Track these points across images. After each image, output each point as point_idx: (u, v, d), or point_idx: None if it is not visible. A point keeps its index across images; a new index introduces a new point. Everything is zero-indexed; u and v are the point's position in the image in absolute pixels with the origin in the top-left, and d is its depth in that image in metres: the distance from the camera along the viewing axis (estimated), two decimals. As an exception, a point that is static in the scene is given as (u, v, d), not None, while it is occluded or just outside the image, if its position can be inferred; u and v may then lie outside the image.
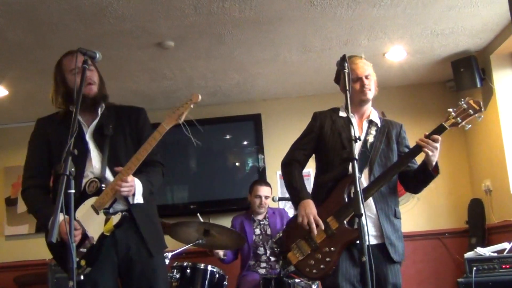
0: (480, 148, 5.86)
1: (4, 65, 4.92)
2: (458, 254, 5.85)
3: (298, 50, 5.15)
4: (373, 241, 2.90)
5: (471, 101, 2.94)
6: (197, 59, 5.16)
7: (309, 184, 3.24)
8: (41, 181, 2.92)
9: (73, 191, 2.27)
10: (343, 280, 2.92)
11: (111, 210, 2.80)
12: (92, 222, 2.78)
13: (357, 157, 2.54)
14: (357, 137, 2.66)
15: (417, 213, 6.17)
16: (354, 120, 3.11)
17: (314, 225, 2.94)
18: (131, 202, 2.80)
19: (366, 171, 3.01)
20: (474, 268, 4.32)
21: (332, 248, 2.93)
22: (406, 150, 3.18)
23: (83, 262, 2.74)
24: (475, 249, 4.60)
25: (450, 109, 2.96)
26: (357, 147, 3.02)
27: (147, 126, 3.05)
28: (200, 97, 2.79)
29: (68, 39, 4.44)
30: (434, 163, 2.94)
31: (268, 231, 5.09)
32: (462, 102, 2.94)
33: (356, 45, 5.04)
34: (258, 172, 6.28)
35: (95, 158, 2.87)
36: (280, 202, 5.74)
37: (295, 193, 3.14)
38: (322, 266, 2.94)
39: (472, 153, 6.13)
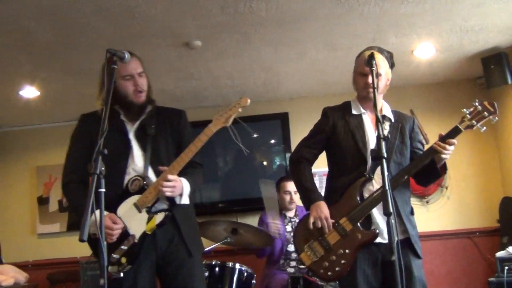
0: (511, 145, 5.77)
1: (36, 66, 5.01)
2: (489, 254, 5.77)
3: (325, 49, 5.13)
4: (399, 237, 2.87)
5: (485, 103, 2.91)
6: (224, 58, 5.18)
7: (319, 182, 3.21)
8: (81, 176, 2.93)
9: (103, 190, 2.28)
10: (362, 280, 2.90)
11: (153, 209, 2.81)
12: (134, 220, 2.80)
13: (385, 156, 2.51)
14: (385, 135, 2.63)
15: (447, 212, 6.10)
16: (367, 117, 3.11)
17: (326, 228, 2.94)
18: (177, 202, 2.82)
19: (378, 169, 2.92)
20: (506, 267, 4.27)
21: (346, 250, 2.91)
22: (419, 145, 3.16)
23: (123, 260, 2.76)
24: (506, 248, 4.54)
25: (465, 110, 2.94)
26: (371, 145, 3.01)
27: (187, 129, 3.08)
28: (249, 101, 2.80)
29: (96, 40, 4.51)
30: (442, 162, 2.95)
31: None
32: (477, 103, 2.91)
33: (383, 43, 4.99)
34: (285, 170, 6.28)
35: (137, 157, 2.90)
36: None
37: (307, 193, 3.12)
38: (337, 269, 2.93)
39: (503, 151, 6.02)
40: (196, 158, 2.99)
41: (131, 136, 2.94)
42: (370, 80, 2.97)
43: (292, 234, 5.03)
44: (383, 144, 2.53)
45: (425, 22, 4.66)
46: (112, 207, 2.79)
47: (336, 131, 3.12)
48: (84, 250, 5.81)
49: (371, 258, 2.93)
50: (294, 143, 6.26)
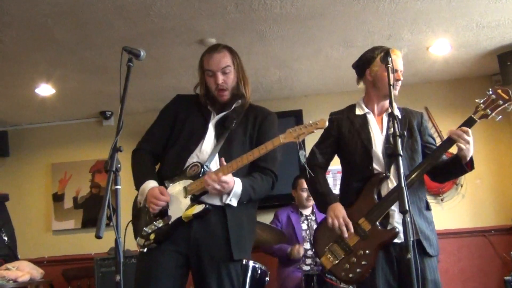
0: (528, 144, 5.72)
1: (52, 64, 5.04)
2: (504, 252, 5.73)
3: (340, 46, 5.11)
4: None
5: (499, 91, 2.83)
6: (238, 55, 5.16)
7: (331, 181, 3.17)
8: (154, 148, 2.98)
9: (119, 187, 2.27)
10: (382, 281, 2.87)
11: (201, 199, 2.75)
12: (177, 202, 2.76)
13: (401, 153, 2.48)
14: (401, 133, 2.59)
15: (462, 210, 6.06)
16: (372, 116, 3.08)
17: (344, 227, 2.89)
18: (223, 200, 2.73)
19: (393, 167, 2.89)
20: (522, 266, 4.22)
21: (367, 251, 2.86)
22: (430, 139, 3.09)
23: (152, 236, 2.73)
24: (523, 247, 4.50)
25: (478, 100, 2.88)
26: (376, 143, 2.98)
27: (271, 132, 2.93)
28: (327, 123, 2.74)
29: (112, 38, 4.53)
30: (468, 158, 2.85)
31: (315, 227, 5.06)
32: (490, 92, 2.84)
33: (399, 39, 4.97)
34: (299, 168, 6.26)
35: (208, 145, 2.85)
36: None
37: (322, 198, 3.08)
38: (358, 270, 2.87)
39: (520, 149, 5.98)
40: (270, 165, 2.92)
41: (211, 124, 2.91)
42: (400, 75, 2.98)
43: (307, 232, 5.03)
44: (399, 141, 2.50)
45: (441, 19, 4.62)
46: (167, 184, 2.81)
47: (342, 133, 3.11)
48: (98, 247, 5.91)
49: (388, 257, 2.89)
50: (308, 140, 6.24)
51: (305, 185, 5.09)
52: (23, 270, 5.09)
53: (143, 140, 3.03)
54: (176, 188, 2.80)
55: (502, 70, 5.41)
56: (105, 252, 5.72)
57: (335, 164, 3.26)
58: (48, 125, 6.87)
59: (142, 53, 2.65)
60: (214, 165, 2.79)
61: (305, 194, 5.14)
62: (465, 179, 5.98)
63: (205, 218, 2.74)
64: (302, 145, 2.73)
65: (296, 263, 4.87)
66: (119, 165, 2.30)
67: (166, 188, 2.78)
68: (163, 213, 2.75)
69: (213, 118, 2.94)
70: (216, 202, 2.76)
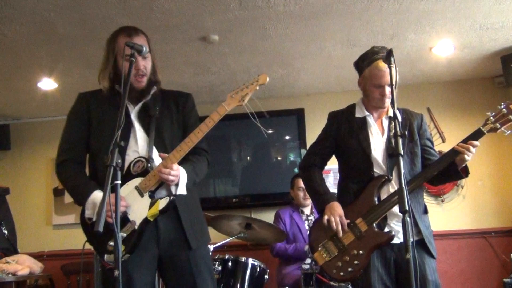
0: (530, 146, 5.71)
1: (54, 58, 5.04)
2: (504, 254, 5.73)
3: (343, 45, 5.10)
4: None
5: (511, 106, 2.85)
6: (241, 53, 5.17)
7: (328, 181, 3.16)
8: (77, 156, 2.77)
9: (119, 182, 2.24)
10: (376, 280, 2.87)
11: (157, 194, 2.59)
12: (135, 204, 2.57)
13: (402, 153, 2.48)
14: (402, 133, 2.58)
15: (462, 211, 6.05)
16: (372, 119, 3.06)
17: (340, 226, 2.90)
18: (173, 192, 2.58)
19: (394, 170, 2.90)
20: (522, 268, 4.22)
21: (360, 251, 2.87)
22: (427, 142, 3.08)
23: (122, 248, 2.44)
24: (523, 249, 4.50)
25: (489, 113, 2.87)
26: (375, 146, 2.97)
27: (194, 112, 2.87)
28: (268, 78, 2.60)
29: (115, 33, 4.52)
30: (464, 164, 2.87)
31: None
32: (502, 106, 2.84)
33: (402, 39, 4.96)
34: (299, 166, 6.26)
35: (140, 138, 2.69)
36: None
37: (319, 198, 3.08)
38: (350, 269, 2.88)
39: (521, 151, 5.97)
40: (203, 144, 2.78)
41: (133, 117, 2.73)
42: (386, 91, 2.93)
43: (309, 232, 5.03)
44: (400, 141, 2.50)
45: (445, 19, 4.61)
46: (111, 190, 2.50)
47: (340, 134, 3.10)
48: (98, 242, 5.89)
49: (385, 258, 2.90)
50: (309, 139, 6.28)
51: (301, 185, 5.10)
52: (23, 264, 5.09)
53: (63, 150, 2.79)
54: (126, 190, 2.60)
55: (505, 71, 5.40)
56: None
57: (336, 163, 3.26)
58: (50, 119, 6.86)
59: (144, 49, 2.60)
60: (156, 156, 2.65)
61: (301, 194, 5.15)
62: (466, 180, 5.97)
63: (167, 213, 2.61)
64: (249, 106, 2.60)
65: (298, 262, 4.87)
66: (119, 160, 2.28)
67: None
68: (122, 221, 2.53)
69: (132, 109, 2.76)
70: (164, 193, 2.63)
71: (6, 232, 5.61)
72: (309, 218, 5.17)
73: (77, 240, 6.38)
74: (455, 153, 2.84)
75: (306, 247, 4.79)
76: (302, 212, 5.20)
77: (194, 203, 2.83)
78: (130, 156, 2.66)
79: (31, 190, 6.76)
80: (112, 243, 2.44)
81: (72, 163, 2.75)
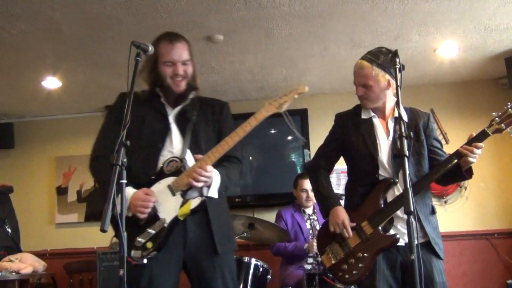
0: (533, 147, 5.71)
1: (59, 57, 5.05)
2: (507, 256, 5.73)
3: (347, 45, 5.11)
4: (418, 240, 2.79)
5: None
6: (245, 53, 5.17)
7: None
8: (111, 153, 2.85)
9: (125, 181, 2.24)
10: (381, 282, 2.87)
11: (188, 194, 2.62)
12: (166, 203, 2.62)
13: (407, 154, 2.47)
14: (407, 134, 2.57)
15: (465, 212, 6.05)
16: (377, 120, 3.05)
17: (346, 234, 2.92)
18: (204, 193, 2.62)
19: (400, 172, 2.85)
20: (525, 270, 4.22)
21: (365, 254, 2.88)
22: (435, 142, 3.06)
23: (149, 245, 2.56)
24: (526, 251, 4.50)
25: (495, 114, 2.85)
26: (382, 148, 2.95)
27: (230, 120, 2.92)
28: (307, 88, 2.65)
29: (120, 32, 4.54)
30: (468, 166, 2.85)
31: (317, 226, 5.07)
32: (508, 107, 2.83)
33: (406, 41, 4.97)
34: (303, 167, 6.27)
35: (176, 140, 2.76)
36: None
37: (324, 201, 3.09)
38: (354, 272, 2.90)
39: (525, 152, 5.97)
40: (237, 153, 2.86)
41: (171, 119, 2.81)
42: (359, 92, 3.02)
43: (310, 232, 5.04)
44: (405, 142, 2.49)
45: (449, 21, 4.62)
46: (144, 187, 2.64)
47: (347, 137, 3.09)
48: (101, 241, 5.91)
49: (390, 261, 2.90)
50: (313, 139, 6.29)
51: (304, 186, 5.12)
52: (26, 262, 5.10)
53: (100, 146, 2.85)
54: (159, 188, 2.65)
55: (509, 73, 5.40)
56: (108, 246, 5.72)
57: (339, 164, 3.26)
58: (54, 118, 6.88)
59: (150, 48, 2.61)
60: (190, 158, 2.71)
61: (304, 195, 5.14)
62: (469, 182, 5.96)
63: (198, 214, 2.65)
64: (288, 115, 2.66)
65: (299, 262, 4.87)
66: (125, 160, 2.29)
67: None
68: (152, 218, 2.60)
69: (170, 112, 2.84)
70: (194, 194, 2.65)
71: (9, 230, 5.62)
72: (311, 217, 5.17)
73: (79, 239, 6.43)
74: (459, 155, 2.82)
75: (306, 246, 4.80)
76: (304, 211, 5.20)
77: (224, 208, 2.86)
78: (165, 156, 2.73)
79: (35, 189, 6.78)
80: (140, 239, 2.55)
81: (106, 159, 2.74)
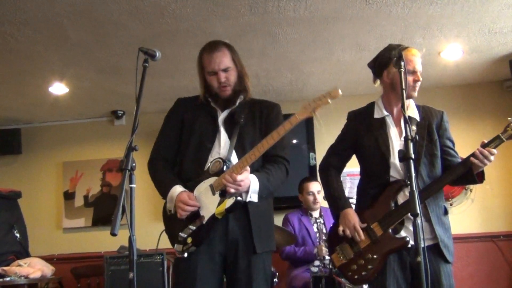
0: (539, 150, 5.70)
1: (66, 63, 5.09)
2: (513, 258, 5.73)
3: (352, 49, 5.13)
4: (427, 243, 2.79)
5: None
6: (250, 57, 5.20)
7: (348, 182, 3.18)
8: (168, 154, 3.02)
9: (134, 185, 2.29)
10: (392, 282, 2.87)
11: (227, 194, 2.73)
12: (207, 201, 2.77)
13: (413, 157, 2.48)
14: (413, 137, 2.57)
15: (471, 214, 6.05)
16: (391, 119, 3.02)
17: (356, 236, 2.93)
18: (243, 199, 2.74)
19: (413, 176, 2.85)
20: (531, 272, 4.22)
21: (374, 256, 2.89)
22: (448, 142, 3.03)
23: (189, 240, 2.73)
24: (532, 253, 4.50)
25: (510, 118, 2.83)
26: (394, 148, 2.93)
27: (278, 121, 2.93)
28: (340, 92, 2.69)
29: (126, 38, 4.57)
30: (480, 170, 2.85)
31: (324, 230, 5.09)
32: None
33: (410, 44, 4.86)
34: (308, 170, 6.28)
35: (223, 141, 2.89)
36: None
37: (334, 202, 3.10)
38: (363, 273, 2.92)
39: (530, 154, 5.97)
40: (284, 153, 2.97)
41: (220, 121, 2.94)
42: (420, 77, 2.93)
43: (317, 235, 5.06)
44: (411, 145, 2.50)
45: (453, 24, 4.64)
46: (191, 185, 2.83)
47: (359, 136, 3.09)
48: (108, 245, 5.94)
49: (401, 261, 2.90)
50: (318, 143, 6.31)
51: (310, 189, 5.15)
52: (35, 267, 5.14)
53: (157, 148, 3.05)
54: (202, 187, 2.81)
55: (513, 76, 5.42)
56: (115, 250, 5.76)
57: (348, 167, 3.27)
58: (61, 123, 6.92)
59: (157, 54, 2.66)
60: (235, 159, 2.83)
61: (311, 198, 5.16)
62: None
63: (237, 212, 2.77)
64: (319, 118, 2.73)
65: (306, 264, 4.90)
66: (134, 164, 2.32)
67: (192, 190, 2.81)
68: (195, 215, 2.77)
69: (220, 115, 2.97)
70: (238, 197, 2.76)
71: (18, 235, 5.67)
72: (317, 220, 5.19)
73: (87, 244, 6.46)
74: (473, 159, 2.81)
75: (315, 250, 4.82)
76: (311, 215, 5.22)
77: (266, 209, 2.94)
78: (213, 157, 2.87)
79: (42, 194, 6.81)
80: (182, 234, 2.75)
81: (161, 160, 3.01)
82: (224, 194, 2.74)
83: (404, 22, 4.56)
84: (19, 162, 6.92)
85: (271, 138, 2.72)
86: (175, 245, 2.78)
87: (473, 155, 2.81)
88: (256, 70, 5.56)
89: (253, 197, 2.77)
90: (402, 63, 2.70)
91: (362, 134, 3.08)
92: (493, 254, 5.94)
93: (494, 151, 2.79)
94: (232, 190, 2.69)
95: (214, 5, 4.13)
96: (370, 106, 3.16)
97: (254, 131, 2.95)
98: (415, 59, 2.93)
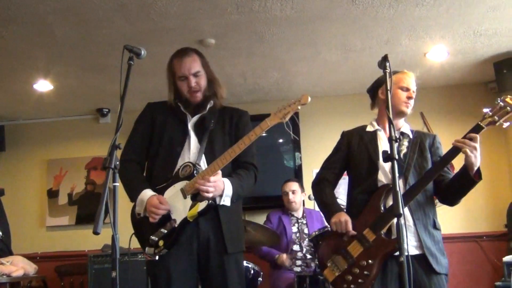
0: (522, 151, 5.76)
1: (51, 60, 5.06)
2: (496, 258, 5.77)
3: (338, 49, 5.15)
4: (412, 251, 2.78)
5: (507, 99, 2.81)
6: (237, 57, 5.20)
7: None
8: (138, 157, 3.02)
9: (118, 184, 2.28)
10: (392, 282, 2.84)
11: (198, 197, 2.77)
12: (178, 205, 2.80)
13: (396, 157, 2.49)
14: (397, 137, 2.59)
15: (454, 215, 6.08)
16: (383, 133, 3.07)
17: (347, 225, 2.88)
18: (217, 202, 2.79)
19: (401, 182, 2.85)
20: (513, 272, 4.27)
21: (370, 261, 2.82)
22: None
23: (161, 243, 2.76)
24: (514, 253, 4.55)
25: (486, 109, 2.85)
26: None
27: (248, 128, 3.01)
28: (309, 98, 2.74)
29: (112, 35, 4.55)
30: (476, 167, 2.83)
31: (305, 230, 5.11)
32: (499, 101, 2.83)
33: (396, 45, 5.01)
34: (294, 170, 6.29)
35: (193, 146, 2.92)
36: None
37: (327, 208, 3.09)
38: (360, 281, 2.83)
39: (513, 156, 6.03)
40: (253, 159, 3.02)
41: (190, 126, 2.97)
42: (413, 95, 3.07)
43: (297, 235, 5.08)
44: (395, 145, 2.51)
45: (439, 25, 4.67)
46: (161, 189, 2.84)
47: (351, 147, 3.13)
48: (92, 244, 5.91)
49: (388, 272, 2.86)
50: (304, 142, 6.32)
51: (285, 189, 5.26)
52: (17, 265, 5.10)
53: (127, 151, 3.03)
54: (173, 191, 2.83)
55: (497, 77, 5.46)
56: (99, 249, 5.73)
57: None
58: (45, 121, 6.88)
59: (143, 52, 2.65)
60: (204, 164, 2.87)
61: (285, 198, 5.23)
62: (459, 185, 6.02)
63: (208, 214, 2.80)
64: (289, 124, 2.78)
65: (284, 268, 4.93)
66: (117, 162, 2.31)
67: (162, 194, 2.83)
68: (166, 218, 2.79)
69: (189, 120, 3.00)
70: (211, 200, 2.79)
71: (0, 233, 5.61)
72: (299, 221, 5.20)
73: (70, 242, 6.42)
74: (455, 150, 2.81)
75: (277, 257, 4.92)
76: (292, 215, 5.24)
77: (236, 211, 2.99)
78: (183, 161, 2.89)
79: (26, 192, 6.77)
80: (153, 237, 2.77)
81: (131, 163, 3.00)
82: (196, 198, 2.78)
83: (390, 23, 4.58)
84: (2, 160, 6.86)
85: (242, 143, 2.76)
86: (146, 248, 2.81)
87: (452, 148, 2.82)
88: (243, 69, 5.56)
89: (226, 200, 2.82)
90: (387, 64, 2.72)
91: (354, 144, 3.13)
92: (476, 254, 5.99)
93: (475, 135, 2.77)
94: (209, 194, 2.71)
95: (201, 4, 4.12)
96: (363, 126, 3.24)
97: (223, 136, 2.99)
98: (409, 79, 3.12)
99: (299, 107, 2.77)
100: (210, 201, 2.76)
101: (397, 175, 2.43)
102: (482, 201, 6.11)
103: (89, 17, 4.23)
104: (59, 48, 4.77)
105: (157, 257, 2.77)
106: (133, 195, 2.87)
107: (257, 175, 3.05)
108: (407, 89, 3.09)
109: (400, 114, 3.07)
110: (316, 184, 3.24)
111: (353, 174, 3.15)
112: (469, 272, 5.94)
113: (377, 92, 3.17)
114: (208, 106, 3.01)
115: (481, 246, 5.99)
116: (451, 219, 6.06)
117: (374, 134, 3.11)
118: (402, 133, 3.09)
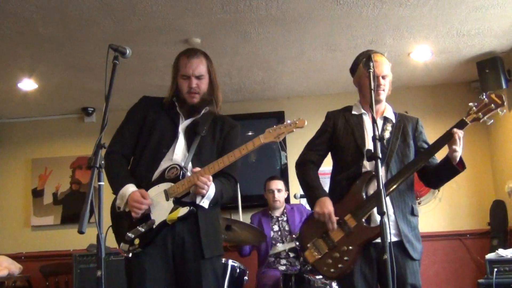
0: (504, 149, 5.83)
1: (35, 59, 5.03)
2: (479, 256, 5.83)
3: (323, 49, 5.17)
4: (392, 238, 2.78)
5: (492, 95, 2.87)
6: (222, 56, 5.20)
7: (326, 184, 3.22)
8: (125, 150, 2.99)
9: (103, 183, 2.28)
10: (360, 280, 2.90)
11: (180, 202, 2.78)
12: (159, 206, 2.78)
13: (380, 156, 2.53)
14: (380, 136, 2.64)
15: (438, 213, 6.16)
16: (368, 117, 3.10)
17: (330, 224, 2.92)
18: (197, 201, 2.78)
19: (382, 169, 2.90)
20: (495, 269, 4.32)
21: (350, 247, 2.89)
22: (424, 144, 3.11)
23: (136, 241, 2.73)
24: (496, 251, 4.60)
25: (471, 104, 2.91)
26: (369, 142, 2.96)
27: (236, 141, 3.03)
28: (306, 123, 2.79)
29: (97, 35, 4.54)
30: (458, 158, 2.89)
31: (287, 228, 5.12)
32: (484, 97, 2.88)
33: (381, 45, 5.04)
34: (279, 169, 6.31)
35: (180, 149, 2.91)
36: (303, 199, 5.73)
37: (311, 191, 3.11)
38: (340, 265, 2.90)
39: (496, 154, 6.10)
40: (235, 173, 3.01)
41: (181, 129, 2.96)
42: (382, 81, 3.02)
43: (279, 233, 5.09)
44: (378, 144, 2.55)
45: (422, 25, 4.71)
46: (144, 187, 2.81)
47: (336, 130, 3.15)
48: (77, 243, 5.88)
49: (368, 258, 2.93)
50: (290, 141, 6.32)
51: (270, 187, 5.22)
52: (1, 265, 5.08)
53: (115, 142, 3.01)
54: (156, 191, 2.81)
55: (480, 77, 5.51)
56: (84, 248, 5.71)
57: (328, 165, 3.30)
58: (30, 120, 6.83)
59: (128, 51, 2.64)
60: (189, 169, 2.85)
61: (271, 196, 5.21)
62: (442, 183, 6.08)
63: (188, 219, 2.80)
64: (283, 145, 2.83)
65: (270, 264, 4.94)
66: (102, 162, 2.31)
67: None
68: (145, 217, 2.77)
69: (182, 122, 2.99)
70: (187, 203, 2.81)
71: (-16, 233, 5.58)
72: (279, 219, 5.20)
73: (56, 242, 6.39)
74: (447, 136, 2.86)
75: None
76: (272, 216, 5.22)
77: (214, 216, 2.98)
78: (167, 162, 2.88)
79: (10, 191, 6.72)
80: (130, 234, 2.74)
81: (118, 155, 2.97)
82: (178, 202, 2.78)
83: (374, 23, 4.61)
84: (-14, 159, 6.80)
85: (232, 156, 2.79)
86: (121, 244, 2.78)
87: (448, 133, 2.88)
88: (228, 69, 5.56)
89: (205, 202, 2.80)
90: (371, 64, 2.76)
91: (340, 126, 3.15)
92: (459, 252, 6.05)
93: (459, 130, 2.84)
94: (203, 190, 2.73)
95: (186, 3, 4.13)
96: (348, 107, 3.25)
97: (212, 145, 2.99)
98: (379, 64, 3.02)
99: (293, 130, 2.81)
100: (191, 208, 2.76)
101: (380, 173, 2.47)
102: (466, 199, 6.18)
103: (74, 16, 4.21)
104: (43, 47, 4.75)
105: (130, 254, 2.75)
106: (116, 187, 2.84)
107: (236, 189, 3.05)
108: (376, 77, 2.96)
109: (375, 101, 3.01)
110: (300, 165, 3.25)
111: (338, 158, 3.17)
112: (452, 270, 6.00)
113: (357, 67, 3.14)
114: (203, 111, 3.01)
115: (465, 244, 6.05)
116: (435, 217, 6.13)
117: (360, 118, 3.12)
118: (385, 118, 3.12)
